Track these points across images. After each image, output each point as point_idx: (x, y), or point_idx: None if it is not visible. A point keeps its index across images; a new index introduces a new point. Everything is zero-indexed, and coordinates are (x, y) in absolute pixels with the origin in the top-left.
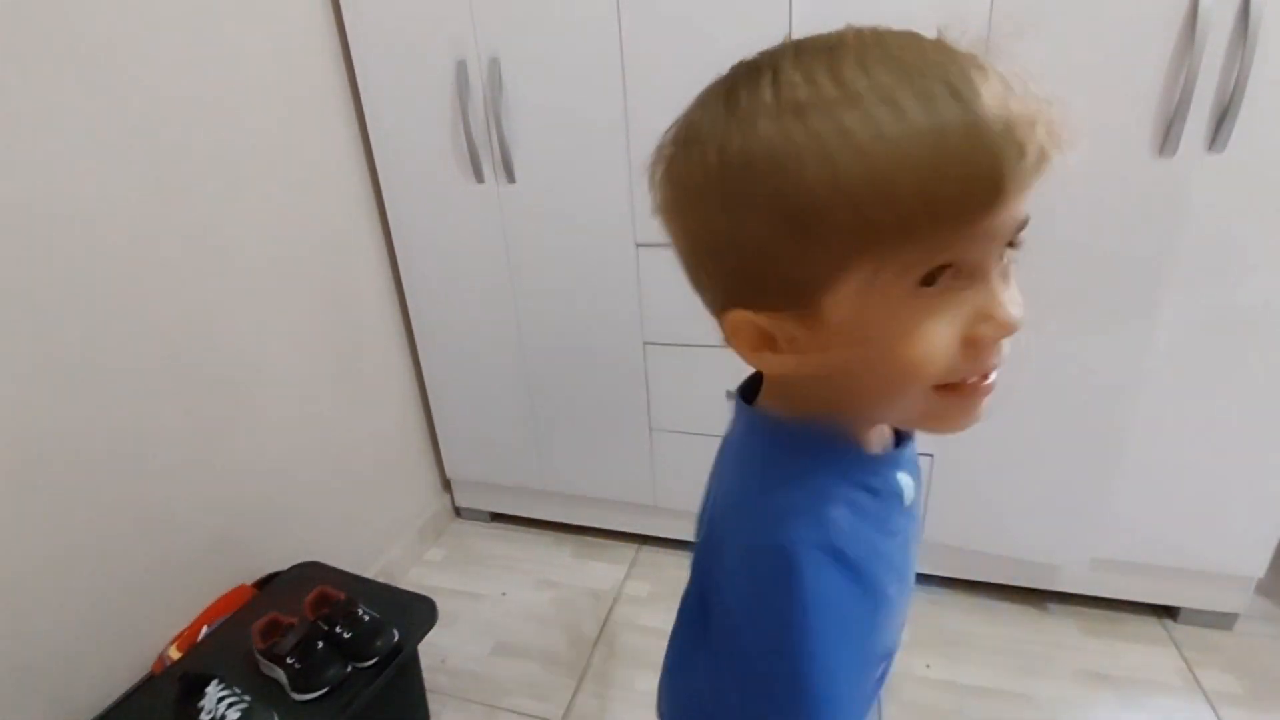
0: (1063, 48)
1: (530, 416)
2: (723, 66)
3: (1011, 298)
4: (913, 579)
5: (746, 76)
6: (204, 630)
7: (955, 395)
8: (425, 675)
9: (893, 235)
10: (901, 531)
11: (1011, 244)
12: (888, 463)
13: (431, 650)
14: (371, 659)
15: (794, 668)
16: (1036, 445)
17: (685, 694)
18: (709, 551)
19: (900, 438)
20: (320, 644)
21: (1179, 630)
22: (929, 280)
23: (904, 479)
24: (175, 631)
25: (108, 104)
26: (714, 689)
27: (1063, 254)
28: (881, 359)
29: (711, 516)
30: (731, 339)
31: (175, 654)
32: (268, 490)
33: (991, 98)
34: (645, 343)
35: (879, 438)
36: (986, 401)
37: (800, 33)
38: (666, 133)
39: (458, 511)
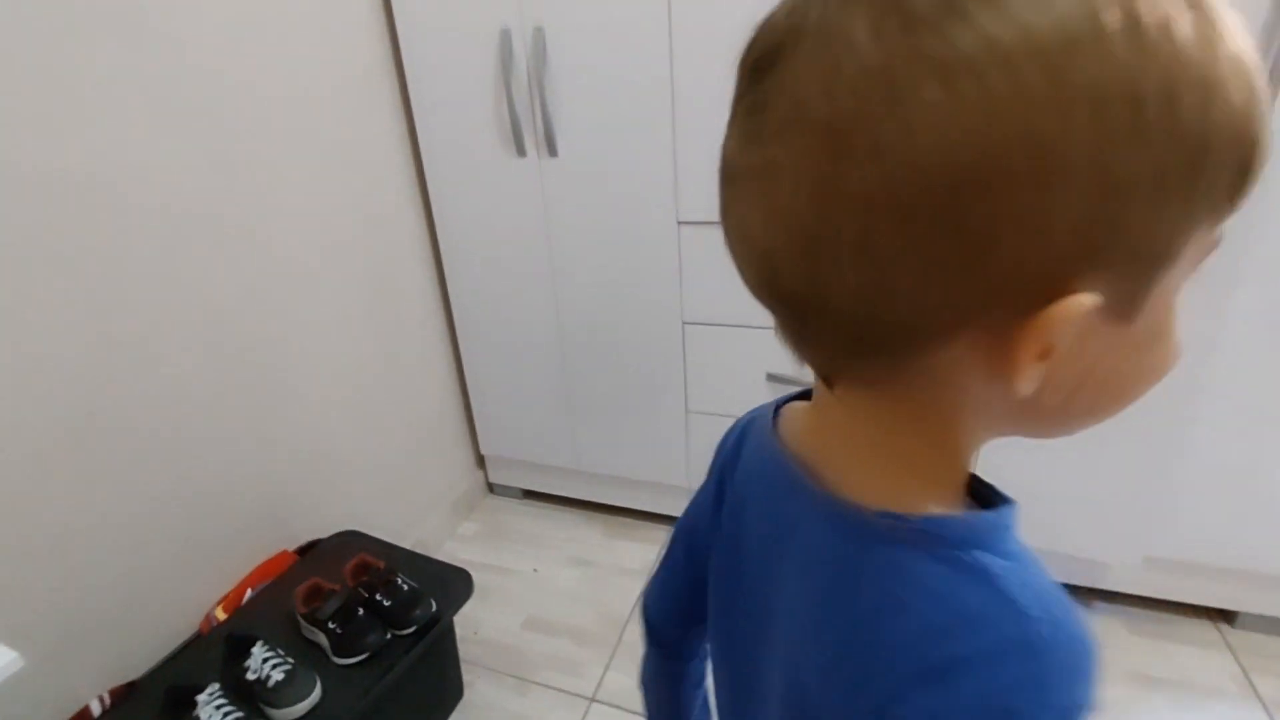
0: None
1: (565, 395)
2: None
3: None
4: None
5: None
6: (248, 593)
7: None
8: (459, 646)
9: (1236, 195)
10: None
11: None
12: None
13: (464, 621)
14: (410, 627)
15: None
16: (1091, 435)
17: None
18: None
19: None
20: (360, 610)
21: (1235, 635)
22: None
23: None
24: (221, 593)
25: (163, 82)
26: None
27: None
28: (1142, 369)
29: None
30: (1029, 346)
31: (221, 615)
32: (310, 461)
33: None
34: (685, 322)
35: None
36: None
37: None
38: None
39: (491, 488)
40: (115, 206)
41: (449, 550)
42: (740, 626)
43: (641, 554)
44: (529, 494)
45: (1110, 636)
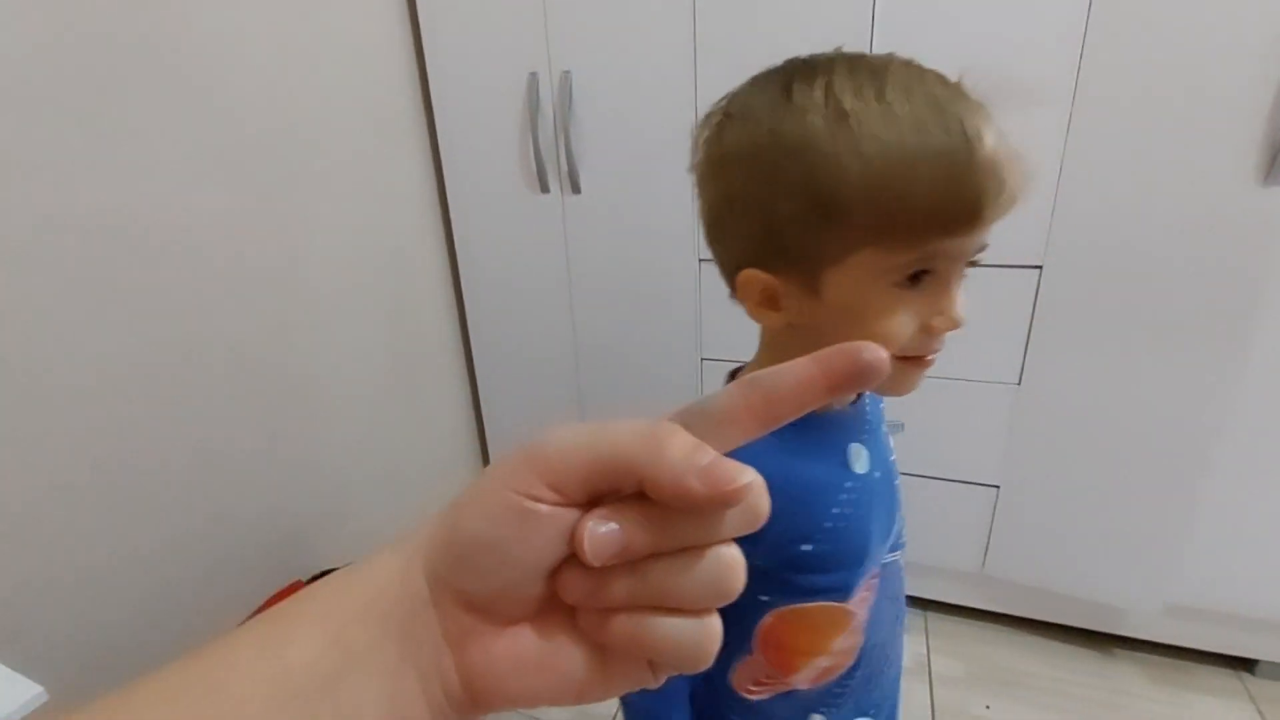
0: (1164, 73)
1: None
2: None
3: (961, 302)
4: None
5: (803, 74)
6: None
7: (903, 364)
8: None
9: (899, 237)
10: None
11: (972, 262)
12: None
13: None
14: None
15: None
16: (1111, 480)
17: None
18: None
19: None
20: None
21: (1256, 684)
22: (914, 280)
23: (855, 448)
24: (235, 624)
25: (200, 127)
26: None
27: (1153, 285)
28: (859, 331)
29: None
30: (740, 292)
31: None
32: (326, 491)
33: (990, 141)
34: (703, 359)
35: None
36: (923, 374)
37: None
38: (719, 102)
39: None
40: (149, 244)
41: None
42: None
43: None
44: None
45: (1129, 684)
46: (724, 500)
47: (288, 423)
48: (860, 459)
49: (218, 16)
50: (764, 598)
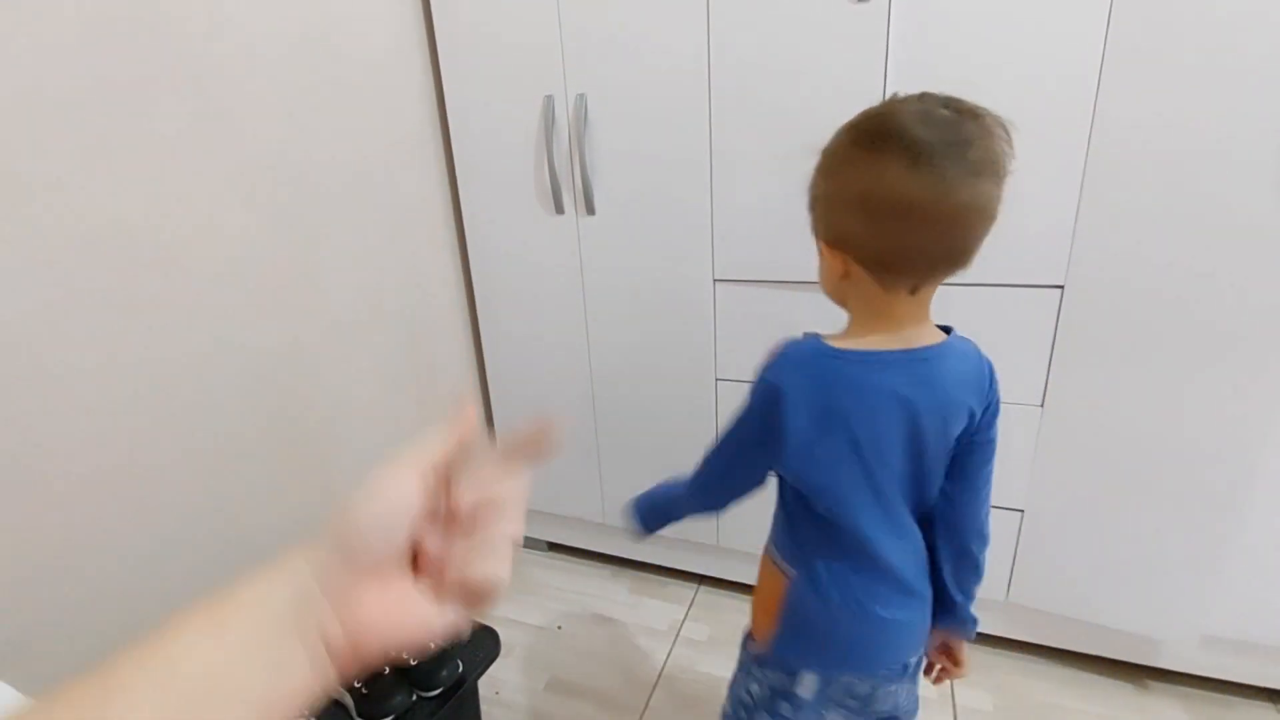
0: (1185, 89)
1: (594, 449)
2: (808, 112)
3: None
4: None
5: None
6: None
7: None
8: (481, 708)
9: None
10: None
11: None
12: None
13: (488, 681)
14: (436, 689)
15: None
16: (1142, 505)
17: None
18: (991, 395)
19: None
20: (387, 670)
21: None
22: None
23: None
24: None
25: (221, 146)
26: None
27: (1179, 304)
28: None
29: (971, 394)
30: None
31: None
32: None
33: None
34: (718, 379)
35: None
36: None
37: (894, 75)
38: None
39: None
40: (169, 258)
41: None
42: (880, 468)
43: (668, 614)
44: (554, 546)
45: (1165, 718)
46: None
47: (301, 439)
48: None
49: (239, 36)
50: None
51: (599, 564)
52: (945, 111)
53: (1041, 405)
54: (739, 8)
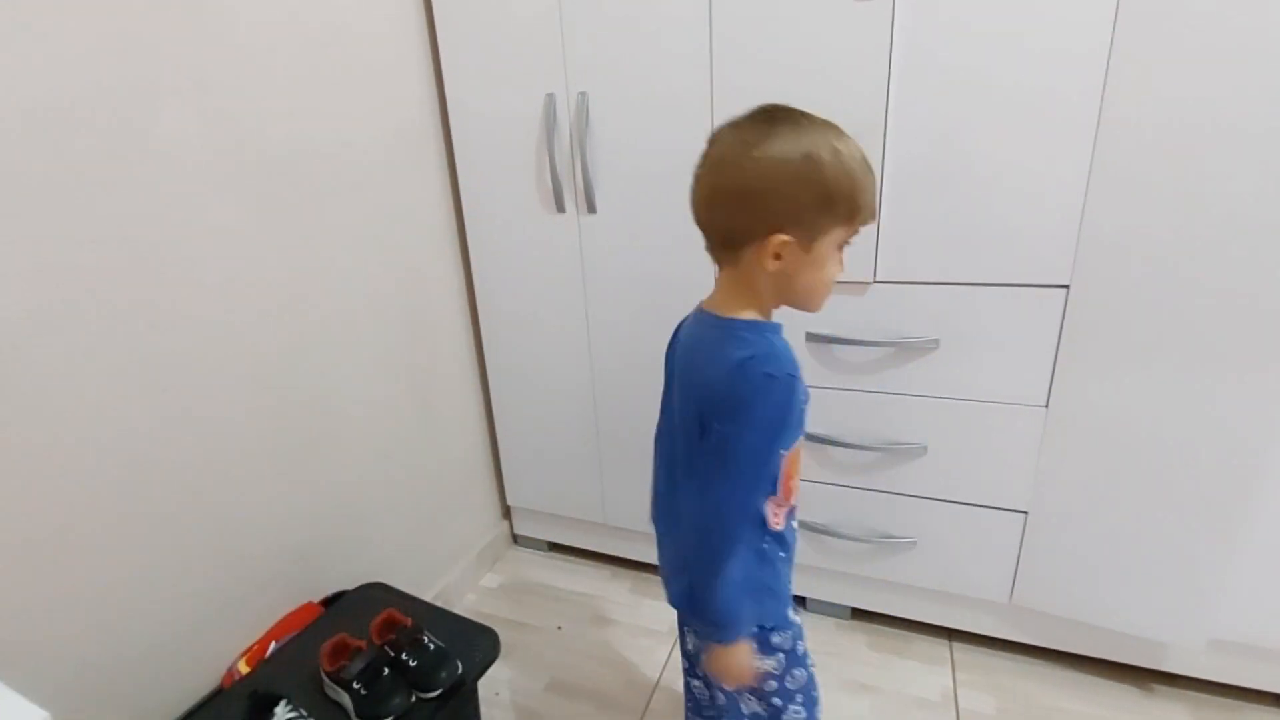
0: (1192, 87)
1: (595, 449)
2: (817, 103)
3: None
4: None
5: (782, 113)
6: (272, 646)
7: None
8: (480, 709)
9: (860, 215)
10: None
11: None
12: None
13: (488, 682)
14: (435, 690)
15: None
16: (1147, 506)
17: (700, 515)
18: (724, 394)
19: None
20: (386, 671)
21: None
22: (846, 243)
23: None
24: (244, 645)
25: (222, 142)
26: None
27: (1188, 304)
28: (819, 277)
29: (709, 378)
30: (762, 250)
31: (244, 668)
32: (338, 512)
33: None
34: None
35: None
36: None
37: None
38: (722, 140)
39: (515, 539)
40: (168, 260)
41: (471, 603)
42: (666, 406)
43: (668, 614)
44: (554, 546)
45: None
46: None
47: (302, 441)
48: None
49: (241, 34)
50: (783, 450)
51: (599, 564)
52: None
53: (1046, 406)
54: (742, 5)
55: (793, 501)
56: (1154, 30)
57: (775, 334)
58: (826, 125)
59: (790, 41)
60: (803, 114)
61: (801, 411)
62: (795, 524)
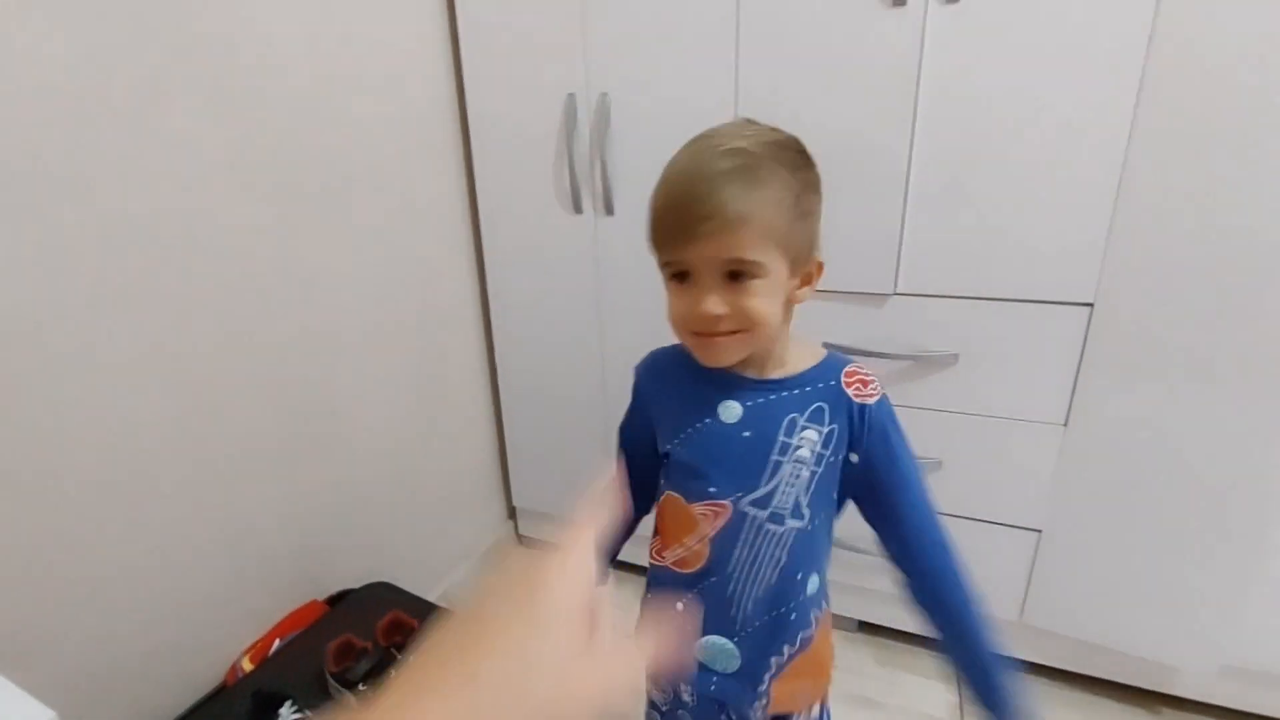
0: (1225, 103)
1: (605, 451)
2: (836, 118)
3: (712, 300)
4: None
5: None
6: (276, 643)
7: (695, 339)
8: None
9: (652, 240)
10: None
11: (730, 274)
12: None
13: None
14: None
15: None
16: (1163, 529)
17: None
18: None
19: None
20: (392, 673)
21: None
22: (675, 278)
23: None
24: (249, 642)
25: (239, 140)
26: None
27: (1214, 323)
28: (670, 311)
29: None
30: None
31: (248, 665)
32: (346, 510)
33: (692, 183)
34: None
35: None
36: (710, 346)
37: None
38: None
39: (520, 540)
40: (186, 255)
41: None
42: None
43: None
44: None
45: None
46: None
47: (310, 438)
48: (730, 413)
49: (262, 34)
50: (663, 481)
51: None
52: None
53: (1065, 424)
54: (770, 8)
55: (668, 556)
56: (1186, 51)
57: (666, 346)
58: (697, 138)
59: (819, 49)
60: (709, 130)
61: (659, 420)
62: (677, 571)
